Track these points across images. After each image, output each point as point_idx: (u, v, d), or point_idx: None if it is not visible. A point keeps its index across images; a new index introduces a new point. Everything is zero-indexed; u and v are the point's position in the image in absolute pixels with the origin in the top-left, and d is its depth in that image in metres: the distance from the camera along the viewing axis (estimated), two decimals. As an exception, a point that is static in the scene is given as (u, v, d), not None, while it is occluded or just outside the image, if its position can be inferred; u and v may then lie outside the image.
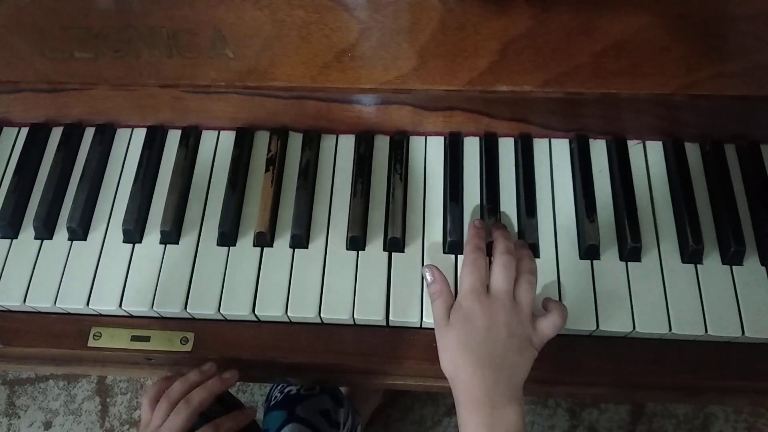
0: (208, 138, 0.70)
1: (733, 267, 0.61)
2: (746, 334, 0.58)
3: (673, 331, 0.58)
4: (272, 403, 0.84)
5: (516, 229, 0.64)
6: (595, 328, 0.59)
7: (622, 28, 0.55)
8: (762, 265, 0.61)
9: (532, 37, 0.56)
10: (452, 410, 1.35)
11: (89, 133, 0.70)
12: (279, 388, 0.86)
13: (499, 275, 0.55)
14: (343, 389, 1.28)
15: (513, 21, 0.55)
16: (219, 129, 0.70)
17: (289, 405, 0.81)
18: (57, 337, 0.63)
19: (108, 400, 1.40)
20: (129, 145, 0.70)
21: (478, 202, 0.65)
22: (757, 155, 0.65)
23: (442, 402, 1.36)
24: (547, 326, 0.54)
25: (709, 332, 0.58)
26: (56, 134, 0.70)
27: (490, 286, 0.55)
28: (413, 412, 1.35)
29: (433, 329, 0.60)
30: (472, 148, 0.68)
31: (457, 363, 0.53)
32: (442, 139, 0.68)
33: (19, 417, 1.40)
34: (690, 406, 1.36)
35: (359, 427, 1.02)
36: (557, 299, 0.60)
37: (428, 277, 0.58)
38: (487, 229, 0.61)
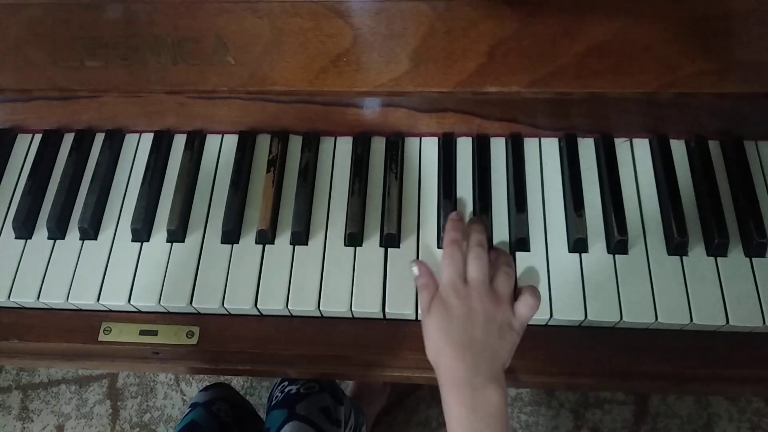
0: (212, 141, 0.73)
1: (718, 258, 0.63)
2: (731, 322, 0.60)
3: (659, 320, 0.60)
4: (273, 402, 0.86)
5: (507, 224, 0.66)
6: (583, 318, 0.61)
7: (604, 29, 0.58)
8: (745, 256, 0.63)
9: (517, 39, 0.58)
10: (456, 411, 1.36)
11: (99, 139, 0.74)
12: (279, 387, 0.88)
13: (473, 266, 0.58)
14: (348, 392, 1.30)
15: (499, 24, 0.58)
16: (222, 133, 0.73)
17: (289, 403, 0.83)
18: (69, 332, 0.65)
19: (119, 403, 1.43)
20: (137, 149, 0.73)
21: (471, 199, 0.67)
22: (741, 151, 0.67)
23: (447, 403, 1.37)
24: (524, 308, 0.57)
25: (694, 321, 0.60)
26: (68, 140, 0.74)
27: (467, 277, 0.58)
28: (418, 413, 1.36)
29: (427, 321, 0.63)
30: (464, 148, 0.70)
31: (439, 348, 0.55)
32: (436, 139, 0.71)
33: (32, 421, 1.43)
34: (694, 406, 1.35)
35: (363, 427, 1.03)
36: (547, 291, 0.62)
37: (415, 271, 0.61)
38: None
